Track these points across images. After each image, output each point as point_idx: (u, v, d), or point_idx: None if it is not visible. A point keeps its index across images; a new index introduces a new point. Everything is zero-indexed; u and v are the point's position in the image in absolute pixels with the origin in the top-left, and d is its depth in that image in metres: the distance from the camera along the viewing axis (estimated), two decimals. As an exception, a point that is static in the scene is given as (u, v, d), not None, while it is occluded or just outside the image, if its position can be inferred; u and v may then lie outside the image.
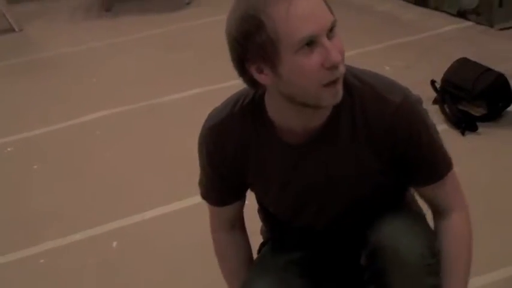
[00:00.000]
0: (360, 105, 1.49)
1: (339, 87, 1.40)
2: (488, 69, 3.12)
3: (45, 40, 4.87)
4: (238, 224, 1.78)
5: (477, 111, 3.09)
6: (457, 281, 1.60)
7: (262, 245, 1.87)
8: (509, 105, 3.08)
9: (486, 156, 2.88)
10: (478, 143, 2.97)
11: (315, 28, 1.34)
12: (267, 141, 1.55)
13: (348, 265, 1.69)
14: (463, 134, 3.01)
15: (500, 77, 3.08)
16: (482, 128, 3.02)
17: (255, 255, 1.84)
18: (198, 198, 1.76)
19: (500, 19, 3.97)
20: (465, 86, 3.09)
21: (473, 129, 3.02)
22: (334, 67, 1.36)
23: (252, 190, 1.71)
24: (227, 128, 1.57)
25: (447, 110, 3.11)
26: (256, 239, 1.87)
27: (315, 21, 1.34)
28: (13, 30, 5.06)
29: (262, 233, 1.90)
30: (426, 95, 3.18)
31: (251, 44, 1.36)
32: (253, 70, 1.41)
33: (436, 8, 4.33)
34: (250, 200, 1.76)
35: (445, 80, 3.19)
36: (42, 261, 2.58)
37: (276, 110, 1.50)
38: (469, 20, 4.11)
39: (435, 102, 3.20)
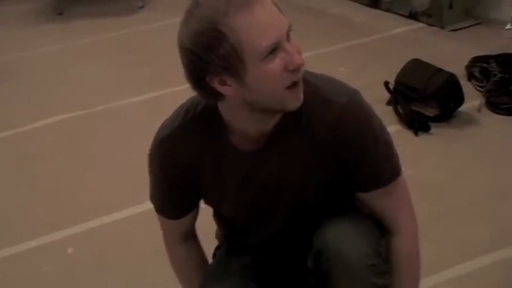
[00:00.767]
0: (306, 109, 1.49)
1: (300, 88, 1.42)
2: (440, 70, 3.16)
3: (-4, 45, 4.79)
4: (191, 235, 1.77)
5: (430, 112, 3.13)
6: None
7: (217, 248, 1.87)
8: (460, 105, 3.13)
9: (439, 156, 2.92)
10: (431, 143, 3.01)
11: (277, 34, 1.35)
12: (222, 149, 1.54)
13: (298, 269, 1.69)
14: (416, 134, 3.04)
15: (452, 78, 3.13)
16: (434, 128, 3.07)
17: (209, 258, 1.84)
18: (153, 203, 1.75)
19: (450, 21, 4.03)
20: (417, 86, 3.13)
21: (426, 129, 3.06)
22: (297, 69, 1.38)
23: (205, 202, 1.69)
24: (179, 138, 1.55)
25: (400, 110, 3.15)
26: (211, 242, 1.87)
27: (276, 28, 1.36)
28: (-37, 35, 4.97)
29: (217, 236, 1.90)
30: (380, 96, 3.22)
31: (213, 57, 1.35)
32: (215, 83, 1.39)
33: (388, 10, 4.38)
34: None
35: (398, 81, 3.23)
36: (-5, 269, 2.55)
37: (233, 117, 1.49)
38: (420, 21, 4.17)
39: (389, 103, 3.23)
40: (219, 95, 1.43)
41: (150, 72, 3.98)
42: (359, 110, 1.52)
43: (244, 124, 1.49)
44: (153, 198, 1.70)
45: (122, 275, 2.44)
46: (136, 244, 2.56)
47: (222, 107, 1.50)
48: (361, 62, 3.77)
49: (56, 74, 4.18)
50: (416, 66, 3.22)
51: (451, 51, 3.74)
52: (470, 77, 3.37)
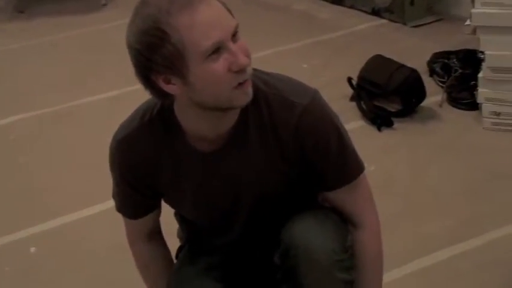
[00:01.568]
0: (267, 110, 1.49)
1: (249, 87, 1.42)
2: (402, 66, 3.19)
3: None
4: (155, 233, 1.76)
5: (392, 107, 3.16)
6: None
7: (179, 248, 1.85)
8: (422, 101, 3.16)
9: (402, 151, 2.95)
10: (394, 138, 3.03)
11: (221, 34, 1.35)
12: (180, 150, 1.54)
13: (264, 265, 1.69)
14: (379, 129, 3.06)
15: (414, 73, 3.16)
16: (397, 124, 3.09)
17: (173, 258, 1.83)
18: (116, 201, 1.74)
19: (412, 17, 4.08)
20: (380, 82, 3.15)
21: (389, 124, 3.08)
22: (242, 70, 1.38)
23: (165, 201, 1.68)
24: (137, 140, 1.55)
25: (363, 106, 3.17)
26: (173, 241, 1.86)
27: (220, 28, 1.35)
28: None
29: (179, 235, 1.88)
30: (343, 92, 3.24)
31: (156, 56, 1.35)
32: (160, 81, 1.40)
33: (352, 7, 4.41)
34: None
35: (361, 77, 3.25)
36: (-44, 271, 2.51)
37: (187, 117, 1.49)
38: (383, 18, 4.20)
39: (352, 99, 3.25)
40: (167, 94, 1.43)
41: (113, 70, 3.95)
42: (321, 111, 1.53)
43: (199, 124, 1.49)
44: (114, 197, 1.69)
45: (84, 273, 2.42)
46: (99, 242, 2.54)
47: (176, 108, 1.50)
48: (324, 58, 3.79)
49: (17, 72, 4.13)
50: (379, 62, 3.25)
51: (413, 47, 3.78)
52: (432, 72, 3.40)
